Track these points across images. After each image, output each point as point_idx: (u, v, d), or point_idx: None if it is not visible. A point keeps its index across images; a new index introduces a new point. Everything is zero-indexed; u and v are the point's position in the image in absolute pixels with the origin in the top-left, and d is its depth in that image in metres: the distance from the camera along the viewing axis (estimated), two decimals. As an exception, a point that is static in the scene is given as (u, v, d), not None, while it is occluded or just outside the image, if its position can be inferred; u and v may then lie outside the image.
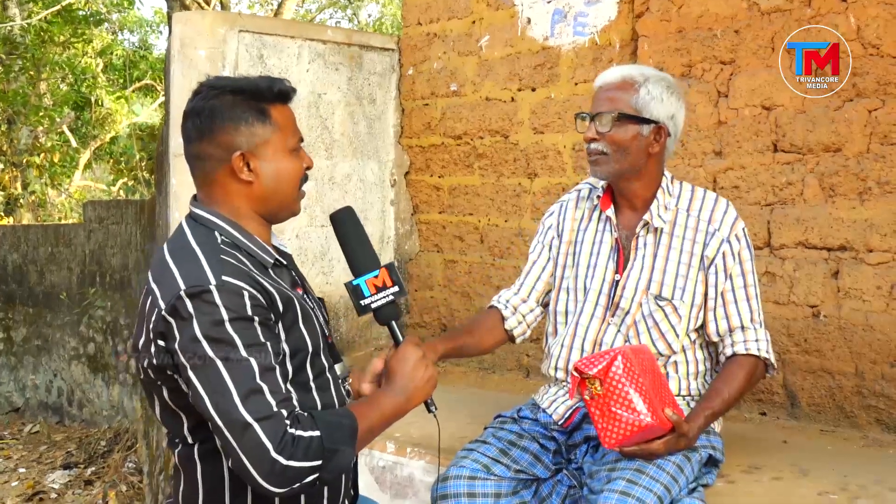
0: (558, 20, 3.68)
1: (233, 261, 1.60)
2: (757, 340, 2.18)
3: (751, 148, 3.11)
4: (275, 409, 1.49)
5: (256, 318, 1.55)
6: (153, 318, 1.57)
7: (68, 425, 7.38)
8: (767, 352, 2.19)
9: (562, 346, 2.31)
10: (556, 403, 2.27)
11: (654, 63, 3.33)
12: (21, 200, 12.22)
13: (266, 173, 1.68)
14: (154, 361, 1.58)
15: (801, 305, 3.01)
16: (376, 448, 2.86)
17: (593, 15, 3.57)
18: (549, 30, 3.72)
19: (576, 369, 1.92)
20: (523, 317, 2.42)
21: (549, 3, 3.71)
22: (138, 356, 1.63)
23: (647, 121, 2.17)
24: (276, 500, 1.62)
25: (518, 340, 2.43)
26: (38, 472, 5.99)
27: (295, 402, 1.55)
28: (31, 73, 12.88)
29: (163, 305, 1.55)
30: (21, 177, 12.38)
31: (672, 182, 2.28)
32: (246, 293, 1.55)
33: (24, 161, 12.30)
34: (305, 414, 1.55)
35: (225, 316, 1.52)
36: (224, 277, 1.55)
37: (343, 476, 1.74)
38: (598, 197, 2.32)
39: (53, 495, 5.48)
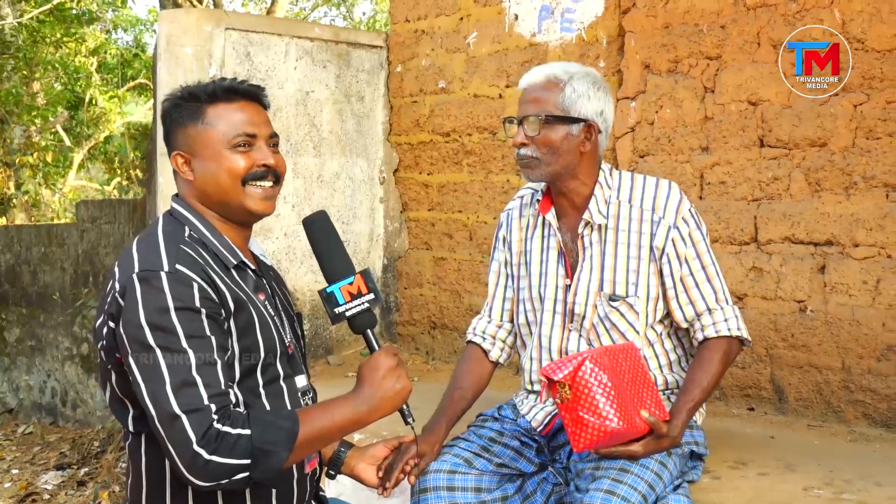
0: (545, 16, 3.68)
1: (191, 252, 1.62)
2: (726, 320, 2.14)
3: (737, 143, 3.10)
4: (205, 402, 1.49)
5: (204, 311, 1.55)
6: (108, 300, 1.59)
7: (62, 426, 7.36)
8: (739, 328, 2.14)
9: (531, 359, 2.29)
10: (535, 410, 2.25)
11: (641, 59, 3.33)
12: (14, 200, 12.18)
13: (201, 170, 1.71)
14: (105, 343, 1.60)
15: (788, 300, 3.01)
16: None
17: (580, 11, 3.57)
18: (537, 26, 3.72)
19: (543, 374, 1.91)
20: (503, 342, 2.39)
21: (535, -1, 3.71)
22: (95, 339, 1.64)
23: (576, 120, 2.11)
24: (219, 496, 1.63)
25: (505, 363, 2.43)
26: (32, 472, 5.97)
27: (232, 399, 1.54)
28: (24, 72, 12.83)
29: (118, 287, 1.57)
30: (14, 177, 12.34)
31: (611, 174, 2.21)
32: (196, 284, 1.56)
33: (18, 161, 12.25)
34: (242, 411, 1.54)
35: (171, 304, 1.52)
36: (178, 266, 1.56)
37: (297, 480, 1.73)
38: (538, 201, 2.27)
39: (46, 496, 5.47)
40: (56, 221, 11.88)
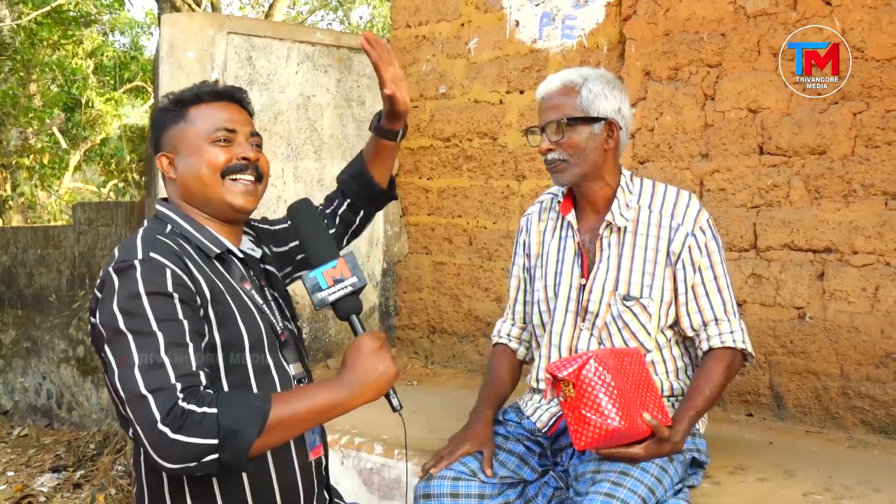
0: (546, 23, 3.70)
1: (168, 241, 1.65)
2: (732, 332, 2.18)
3: (737, 150, 3.12)
4: (171, 381, 1.48)
5: (177, 295, 1.56)
6: (91, 297, 1.62)
7: (57, 428, 7.35)
8: (744, 342, 2.18)
9: (540, 356, 2.32)
10: (540, 411, 2.27)
11: (642, 66, 3.35)
12: (10, 202, 12.16)
13: (183, 167, 1.75)
14: (92, 339, 1.62)
15: (787, 307, 3.02)
16: (364, 450, 2.86)
17: (581, 18, 3.59)
18: (538, 32, 3.74)
19: (548, 371, 1.93)
20: (528, 342, 2.46)
21: (537, 6, 3.73)
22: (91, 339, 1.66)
23: (596, 119, 2.17)
24: (217, 496, 1.62)
25: (530, 364, 2.48)
26: (27, 475, 5.95)
27: (202, 380, 1.52)
28: (21, 74, 12.82)
29: (98, 283, 1.60)
30: (10, 178, 12.32)
31: (632, 180, 2.27)
32: (169, 270, 1.57)
33: (14, 163, 12.23)
34: (211, 392, 1.52)
35: (142, 290, 1.54)
36: (151, 254, 1.59)
37: (300, 470, 1.72)
38: (559, 203, 2.32)
39: (42, 499, 5.46)
40: (52, 223, 11.86)
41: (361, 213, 2.11)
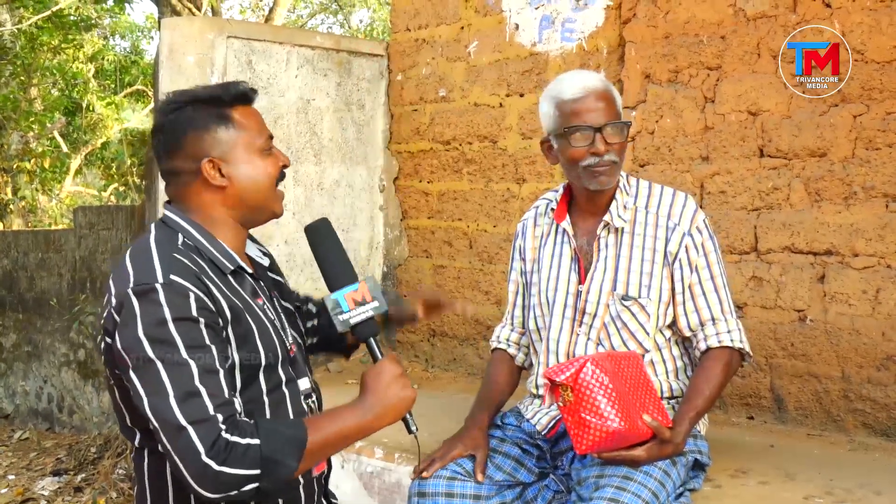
0: (546, 26, 3.70)
1: (185, 260, 1.59)
2: (729, 331, 2.18)
3: (737, 153, 3.12)
4: (211, 412, 1.47)
5: (202, 320, 1.53)
6: (104, 315, 1.58)
7: (58, 432, 7.35)
8: (741, 341, 2.18)
9: (538, 362, 2.33)
10: (539, 414, 2.27)
11: (642, 69, 3.35)
12: (11, 206, 12.15)
13: (238, 175, 1.68)
14: (104, 358, 1.59)
15: (788, 310, 3.02)
16: (364, 454, 2.86)
17: (581, 21, 3.59)
18: (537, 36, 3.74)
19: (545, 377, 1.93)
20: (527, 348, 2.46)
21: (536, 9, 3.73)
22: (100, 354, 1.64)
23: (626, 122, 2.21)
24: None
25: (529, 368, 2.49)
26: (28, 478, 5.95)
27: (238, 408, 1.52)
28: (22, 78, 12.83)
29: (113, 302, 1.55)
30: (11, 182, 12.32)
31: (628, 181, 2.28)
32: (192, 294, 1.54)
33: (15, 166, 12.23)
34: (249, 420, 1.52)
35: (168, 315, 1.51)
36: (172, 276, 1.54)
37: (304, 485, 1.73)
38: (553, 210, 2.32)
39: (43, 502, 5.46)
40: (53, 227, 11.86)
41: (314, 342, 2.10)
